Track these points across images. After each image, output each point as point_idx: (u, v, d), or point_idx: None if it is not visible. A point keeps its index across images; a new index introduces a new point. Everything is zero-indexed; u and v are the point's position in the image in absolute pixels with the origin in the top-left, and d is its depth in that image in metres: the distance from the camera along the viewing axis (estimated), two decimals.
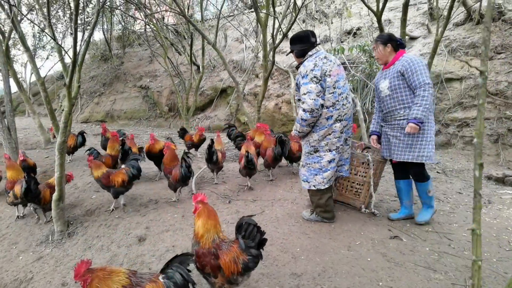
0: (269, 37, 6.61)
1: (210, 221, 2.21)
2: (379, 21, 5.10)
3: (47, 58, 14.87)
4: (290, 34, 8.02)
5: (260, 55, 9.55)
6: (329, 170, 3.12)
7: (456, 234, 3.20)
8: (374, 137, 3.57)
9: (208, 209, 2.27)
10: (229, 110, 10.55)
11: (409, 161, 3.23)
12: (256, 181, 4.74)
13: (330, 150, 3.08)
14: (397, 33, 8.97)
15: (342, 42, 9.60)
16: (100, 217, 3.74)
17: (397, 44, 3.24)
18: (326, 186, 3.17)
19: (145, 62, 13.79)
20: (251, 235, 2.08)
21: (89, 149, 4.77)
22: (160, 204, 3.98)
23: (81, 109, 13.23)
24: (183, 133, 6.45)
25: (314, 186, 3.21)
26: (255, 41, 9.98)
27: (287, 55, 3.41)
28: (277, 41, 6.25)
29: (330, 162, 3.11)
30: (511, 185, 4.76)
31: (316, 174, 3.15)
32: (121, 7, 11.88)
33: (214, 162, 4.43)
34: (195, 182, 4.51)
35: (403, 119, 3.19)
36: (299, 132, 3.14)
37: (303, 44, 3.06)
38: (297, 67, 3.14)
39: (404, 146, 3.26)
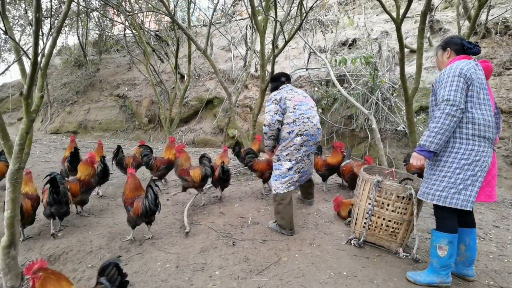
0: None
1: None
2: (398, 29, 4.52)
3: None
4: (293, 42, 7.35)
5: (253, 64, 8.87)
6: (287, 176, 3.45)
7: None
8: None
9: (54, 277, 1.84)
10: (217, 123, 9.76)
11: (418, 197, 2.69)
12: (260, 211, 3.97)
13: (290, 160, 3.44)
14: (396, 45, 8.55)
15: (337, 53, 9.08)
16: (67, 266, 2.87)
17: (464, 49, 2.58)
18: (284, 191, 3.42)
19: (123, 69, 12.81)
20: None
21: (49, 175, 3.34)
22: (146, 246, 3.13)
23: (51, 118, 12.06)
24: (239, 149, 5.21)
25: (274, 190, 3.48)
26: (247, 49, 9.32)
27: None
28: (277, 49, 5.59)
29: (289, 169, 3.45)
30: None
31: (276, 180, 3.50)
32: (99, 10, 10.95)
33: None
34: (187, 215, 3.69)
35: None
36: (266, 146, 3.64)
37: (276, 82, 3.74)
38: None
39: (424, 178, 2.68)
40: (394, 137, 7.14)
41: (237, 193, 4.58)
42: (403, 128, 6.74)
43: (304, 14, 4.76)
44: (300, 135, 3.37)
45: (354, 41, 9.24)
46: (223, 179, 4.13)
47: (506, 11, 7.10)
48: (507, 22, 7.13)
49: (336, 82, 6.05)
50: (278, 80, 3.71)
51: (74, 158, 4.52)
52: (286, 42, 5.26)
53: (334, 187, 4.99)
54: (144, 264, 2.84)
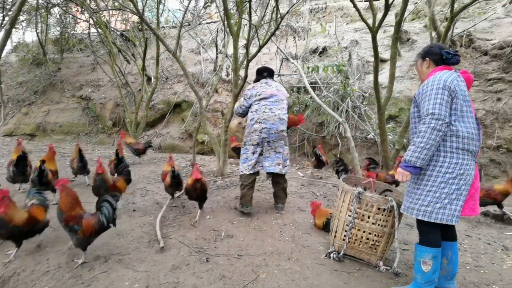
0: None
1: None
2: (374, 38, 4.52)
3: None
4: (265, 47, 7.23)
5: (225, 67, 8.69)
6: (252, 160, 3.92)
7: None
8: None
9: None
10: (185, 128, 9.45)
11: (401, 211, 2.62)
12: (234, 223, 3.78)
13: (252, 144, 3.93)
14: (365, 54, 8.71)
15: (308, 60, 9.10)
16: None
17: (442, 59, 2.54)
18: (250, 171, 3.91)
19: (86, 69, 12.17)
20: None
21: None
22: (112, 263, 2.84)
23: (5, 119, 11.19)
24: (374, 164, 5.11)
25: (241, 171, 3.99)
26: (219, 52, 9.12)
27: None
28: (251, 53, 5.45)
29: (253, 153, 3.94)
30: None
31: (243, 163, 3.98)
32: (61, 5, 10.36)
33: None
34: (159, 228, 3.43)
35: None
36: (236, 112, 4.31)
37: (258, 76, 4.23)
38: None
39: (406, 192, 2.62)
40: (364, 145, 7.21)
41: (209, 203, 4.35)
42: (373, 136, 6.81)
43: (280, 19, 4.65)
44: (259, 122, 3.86)
45: (324, 49, 9.31)
46: (175, 183, 4.18)
47: (475, 24, 7.37)
48: (471, 35, 7.44)
49: (310, 89, 6.01)
50: (260, 74, 4.21)
51: (20, 162, 4.20)
52: (261, 47, 5.12)
53: (308, 194, 4.90)
54: (111, 284, 2.56)
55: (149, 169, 6.20)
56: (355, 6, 4.48)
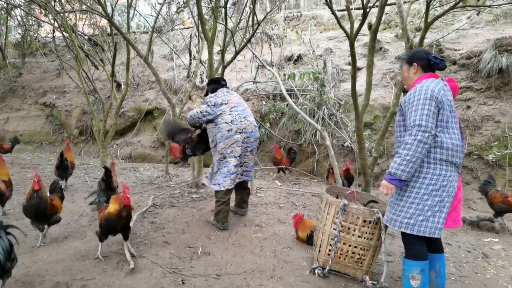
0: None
1: None
2: (352, 45, 4.45)
3: None
4: (242, 53, 7.06)
5: (199, 73, 8.46)
6: (234, 173, 3.70)
7: None
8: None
9: None
10: (157, 136, 9.11)
11: (384, 222, 2.55)
12: (211, 238, 3.55)
13: (234, 156, 3.69)
14: (339, 62, 8.75)
15: (283, 67, 9.04)
16: None
17: (430, 64, 2.46)
18: (231, 186, 3.70)
19: (51, 75, 11.54)
20: None
21: None
22: None
23: None
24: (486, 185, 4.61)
25: (224, 187, 3.67)
26: (192, 59, 8.89)
27: (205, 95, 4.16)
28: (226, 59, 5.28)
29: (235, 166, 3.71)
30: (489, 231, 4.37)
31: (225, 177, 3.68)
32: (22, 7, 9.78)
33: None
34: (129, 247, 3.14)
35: None
36: (191, 116, 3.90)
37: (216, 84, 4.01)
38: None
39: (389, 202, 2.54)
40: (340, 153, 7.17)
41: (183, 217, 4.11)
42: (350, 144, 6.79)
43: (256, 25, 4.52)
44: (240, 132, 3.69)
45: (299, 56, 9.29)
46: (62, 167, 4.71)
47: (448, 34, 7.56)
48: (440, 45, 7.63)
49: (288, 97, 5.90)
50: (218, 83, 4.04)
51: None
52: (237, 53, 4.97)
53: (288, 205, 4.74)
54: None
55: (118, 181, 5.84)
56: (333, 13, 4.39)
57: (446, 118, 2.32)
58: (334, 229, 2.80)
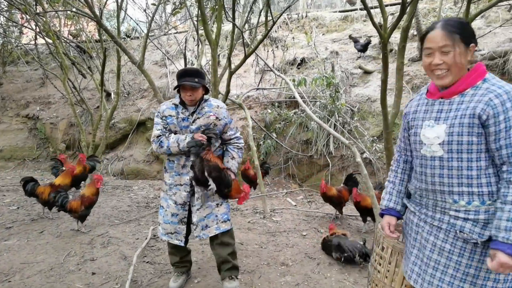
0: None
1: None
2: (384, 45, 3.83)
3: None
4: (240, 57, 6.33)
5: None
6: None
7: None
8: (389, 219, 1.90)
9: None
10: (151, 150, 8.36)
11: None
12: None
13: None
14: (348, 66, 8.16)
15: (286, 72, 8.43)
16: None
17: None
18: None
19: (34, 85, 10.75)
20: None
21: None
22: None
23: None
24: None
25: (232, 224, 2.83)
26: (189, 64, 8.22)
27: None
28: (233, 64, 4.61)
29: None
30: None
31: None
32: (2, 13, 9.01)
33: None
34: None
35: (463, 217, 1.52)
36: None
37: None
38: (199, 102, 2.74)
39: (449, 271, 1.55)
40: (357, 165, 6.54)
41: (192, 255, 3.40)
42: (368, 155, 6.16)
43: (271, 22, 3.86)
44: None
45: (303, 60, 8.69)
46: None
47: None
48: None
49: (304, 106, 5.22)
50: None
51: None
52: (247, 56, 4.33)
53: (311, 232, 4.06)
54: None
55: (110, 205, 5.12)
56: (366, 8, 3.75)
57: None
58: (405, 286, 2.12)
